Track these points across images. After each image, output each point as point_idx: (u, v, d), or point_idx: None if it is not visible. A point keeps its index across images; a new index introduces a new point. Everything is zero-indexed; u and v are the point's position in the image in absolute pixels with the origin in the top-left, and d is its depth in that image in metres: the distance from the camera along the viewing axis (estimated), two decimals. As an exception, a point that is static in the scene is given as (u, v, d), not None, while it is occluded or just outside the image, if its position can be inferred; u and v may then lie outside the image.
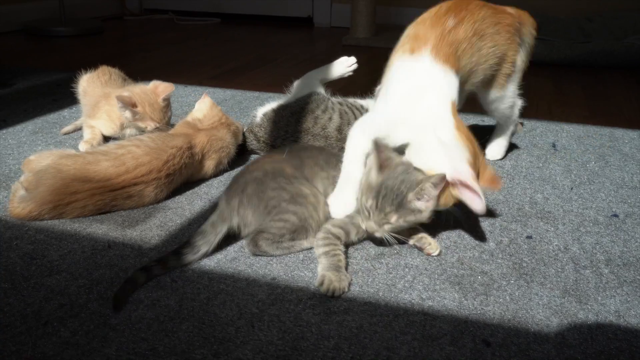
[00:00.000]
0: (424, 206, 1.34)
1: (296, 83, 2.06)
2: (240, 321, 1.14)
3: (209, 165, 1.72)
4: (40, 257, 1.33)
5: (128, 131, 1.92)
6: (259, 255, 1.36)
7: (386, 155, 1.37)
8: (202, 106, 1.79)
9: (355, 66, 2.07)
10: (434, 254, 1.39)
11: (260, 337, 1.10)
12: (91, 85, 2.08)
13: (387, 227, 1.35)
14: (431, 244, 1.40)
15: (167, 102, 1.90)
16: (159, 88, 1.88)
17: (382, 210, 1.33)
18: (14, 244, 1.38)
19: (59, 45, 3.89)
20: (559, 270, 1.36)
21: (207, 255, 1.34)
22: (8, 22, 4.20)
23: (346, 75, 2.08)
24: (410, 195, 1.32)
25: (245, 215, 1.38)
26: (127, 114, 1.83)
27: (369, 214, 1.35)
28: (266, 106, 2.01)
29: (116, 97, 1.79)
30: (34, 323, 1.11)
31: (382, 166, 1.35)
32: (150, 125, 1.84)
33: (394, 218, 1.34)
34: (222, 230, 1.35)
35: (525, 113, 2.51)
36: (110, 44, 4.03)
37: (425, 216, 1.36)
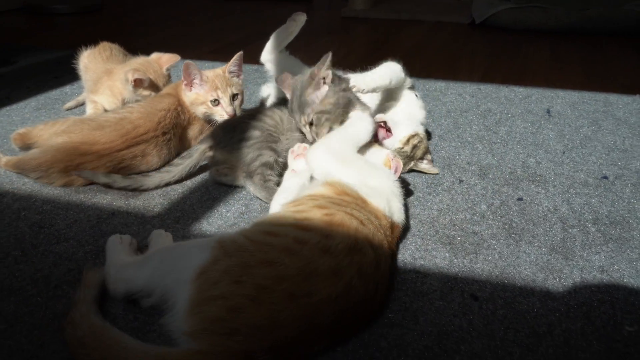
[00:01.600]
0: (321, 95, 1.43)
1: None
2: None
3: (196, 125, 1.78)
4: (48, 226, 1.39)
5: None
6: None
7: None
8: None
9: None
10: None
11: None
12: (92, 61, 2.11)
13: (314, 129, 1.44)
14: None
15: (169, 72, 1.95)
16: (163, 58, 1.93)
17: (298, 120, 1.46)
18: (22, 214, 1.43)
19: (59, 23, 3.91)
20: (547, 229, 1.41)
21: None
22: (9, 0, 4.22)
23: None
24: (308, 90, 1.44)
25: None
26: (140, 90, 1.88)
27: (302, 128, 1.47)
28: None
29: (134, 81, 1.83)
30: (44, 287, 1.17)
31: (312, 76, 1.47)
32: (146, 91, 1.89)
33: (303, 119, 1.44)
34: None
35: (521, 80, 2.55)
36: (109, 21, 4.05)
37: (331, 102, 1.42)
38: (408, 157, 1.62)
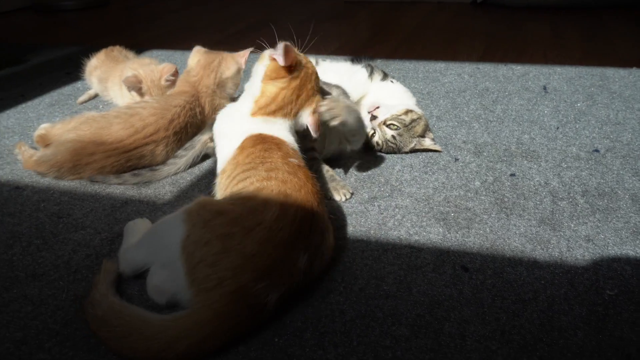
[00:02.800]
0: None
1: None
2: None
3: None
4: (66, 216, 1.48)
5: None
6: None
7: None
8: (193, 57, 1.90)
9: None
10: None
11: (264, 273, 1.24)
12: (101, 64, 2.21)
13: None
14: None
15: (172, 80, 1.97)
16: (165, 68, 1.97)
17: None
18: (41, 206, 1.53)
19: (67, 19, 4.00)
20: (538, 203, 1.48)
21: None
22: (17, -1, 4.32)
23: None
24: None
25: None
26: (134, 93, 1.95)
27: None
28: None
29: (122, 81, 1.91)
30: (65, 271, 1.26)
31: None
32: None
33: None
34: None
35: (519, 58, 2.60)
36: (116, 15, 4.13)
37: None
38: (406, 127, 1.69)
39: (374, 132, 1.73)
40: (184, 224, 1.11)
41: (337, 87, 1.61)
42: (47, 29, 3.72)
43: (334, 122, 1.42)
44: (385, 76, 1.85)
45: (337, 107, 1.42)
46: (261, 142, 1.29)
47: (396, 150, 1.73)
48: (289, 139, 1.35)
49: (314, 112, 1.38)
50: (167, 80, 1.95)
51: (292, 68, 1.37)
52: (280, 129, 1.35)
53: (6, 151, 1.85)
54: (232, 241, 1.06)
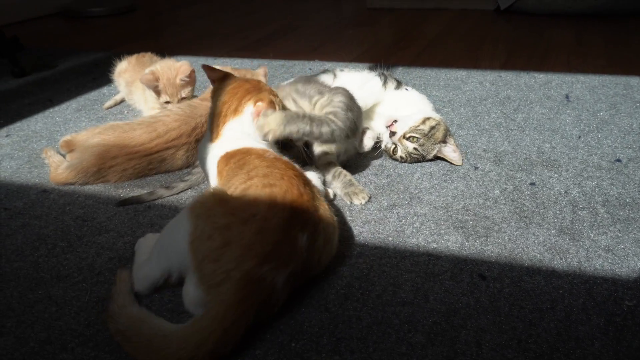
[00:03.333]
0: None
1: None
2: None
3: None
4: (91, 219, 1.51)
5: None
6: None
7: None
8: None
9: None
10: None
11: (282, 278, 1.26)
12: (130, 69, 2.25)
13: None
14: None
15: (187, 81, 1.99)
16: (181, 68, 1.99)
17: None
18: (67, 209, 1.57)
19: (95, 26, 4.08)
20: (557, 212, 1.47)
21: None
22: (46, 5, 4.41)
23: None
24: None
25: None
26: (154, 96, 1.99)
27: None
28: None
29: (140, 79, 1.95)
30: (89, 273, 1.29)
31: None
32: (163, 97, 1.98)
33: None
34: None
35: (542, 66, 2.59)
36: (143, 21, 4.20)
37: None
38: (425, 136, 1.70)
39: (396, 147, 1.73)
40: (188, 219, 1.14)
41: (336, 90, 1.60)
42: (76, 35, 3.79)
43: (267, 138, 1.43)
44: (399, 84, 1.85)
45: (267, 124, 1.42)
46: (232, 157, 1.36)
47: (421, 160, 1.74)
48: (254, 144, 1.40)
49: (255, 104, 1.43)
50: (182, 80, 1.97)
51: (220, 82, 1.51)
52: (239, 139, 1.41)
53: (34, 155, 1.89)
54: (231, 233, 1.09)
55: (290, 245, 1.13)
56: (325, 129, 1.46)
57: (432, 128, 1.69)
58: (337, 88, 1.62)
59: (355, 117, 1.55)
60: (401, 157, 1.73)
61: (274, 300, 1.11)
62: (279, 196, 1.18)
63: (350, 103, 1.56)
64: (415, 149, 1.70)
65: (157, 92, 1.97)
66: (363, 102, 1.69)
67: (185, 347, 1.00)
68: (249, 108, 1.43)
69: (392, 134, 1.72)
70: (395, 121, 1.74)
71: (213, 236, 1.10)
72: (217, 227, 1.10)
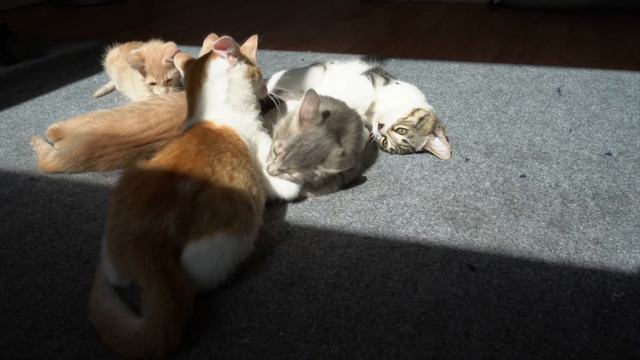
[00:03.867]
0: (324, 173, 1.45)
1: None
2: (253, 256, 1.29)
3: None
4: (79, 207, 1.50)
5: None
6: None
7: (313, 109, 1.41)
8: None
9: None
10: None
11: (271, 268, 1.25)
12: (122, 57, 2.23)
13: (286, 176, 1.45)
14: None
15: (172, 62, 1.93)
16: (167, 49, 1.98)
17: (287, 163, 1.41)
18: (55, 196, 1.55)
19: (86, 14, 4.04)
20: (547, 204, 1.47)
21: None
22: (37, -7, 4.37)
23: None
24: (320, 167, 1.42)
25: None
26: (144, 85, 1.98)
27: (275, 158, 1.43)
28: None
29: (126, 60, 1.93)
30: (76, 261, 1.28)
31: (302, 119, 1.42)
32: (149, 78, 1.97)
33: (295, 174, 1.43)
34: None
35: (535, 60, 2.58)
36: (134, 11, 4.17)
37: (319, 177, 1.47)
38: (415, 128, 1.68)
39: (386, 139, 1.73)
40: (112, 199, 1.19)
41: (334, 101, 1.60)
42: (66, 23, 3.76)
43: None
44: (387, 79, 1.83)
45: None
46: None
47: (411, 151, 1.73)
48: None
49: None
50: (167, 61, 1.95)
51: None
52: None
53: (22, 142, 1.88)
54: (123, 203, 1.14)
55: (170, 194, 1.14)
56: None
57: (421, 119, 1.68)
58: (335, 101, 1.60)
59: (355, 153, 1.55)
60: (391, 149, 1.73)
61: (172, 245, 1.11)
62: (163, 161, 1.23)
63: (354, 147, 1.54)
64: (404, 140, 1.69)
65: (143, 73, 1.96)
66: (362, 110, 1.72)
67: (148, 341, 1.00)
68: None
69: (380, 126, 1.72)
70: (384, 115, 1.73)
71: (113, 209, 1.14)
72: (117, 201, 1.15)
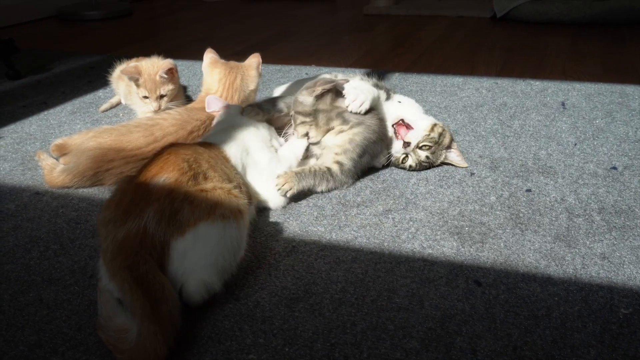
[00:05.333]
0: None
1: None
2: (258, 271, 1.29)
3: None
4: (84, 222, 1.50)
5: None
6: None
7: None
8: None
9: None
10: None
11: (276, 283, 1.25)
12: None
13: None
14: None
15: (166, 78, 2.00)
16: (163, 65, 2.00)
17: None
18: (60, 211, 1.55)
19: (91, 29, 4.07)
20: (553, 219, 1.47)
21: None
22: (43, 8, 4.40)
23: None
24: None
25: None
26: (134, 85, 2.01)
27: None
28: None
29: (121, 71, 1.95)
30: (81, 277, 1.28)
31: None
32: (142, 92, 1.99)
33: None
34: None
35: (538, 74, 2.59)
36: (139, 25, 4.19)
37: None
38: (436, 144, 1.69)
39: (406, 157, 1.71)
40: None
41: (359, 126, 1.65)
42: (71, 38, 3.78)
43: (288, 195, 1.55)
44: (388, 95, 1.80)
45: (284, 184, 1.55)
46: None
47: (428, 167, 1.73)
48: None
49: None
50: (161, 77, 1.97)
51: None
52: None
53: (27, 157, 1.88)
54: (110, 222, 1.16)
55: (144, 194, 1.16)
56: (324, 186, 1.60)
57: (440, 135, 1.69)
58: (361, 122, 1.62)
59: (369, 158, 1.65)
60: (410, 165, 1.71)
61: (157, 239, 1.11)
62: (143, 170, 1.25)
63: (367, 144, 1.62)
64: (427, 156, 1.69)
65: (138, 86, 1.99)
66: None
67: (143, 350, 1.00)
68: None
69: (407, 144, 1.70)
70: (406, 124, 1.72)
71: (103, 231, 1.17)
72: (105, 221, 1.18)
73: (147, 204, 1.13)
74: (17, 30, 4.02)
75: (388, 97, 1.80)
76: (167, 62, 2.00)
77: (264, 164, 1.54)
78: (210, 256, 1.14)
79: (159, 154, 1.29)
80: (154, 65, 1.99)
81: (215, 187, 1.21)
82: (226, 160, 1.45)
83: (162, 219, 1.12)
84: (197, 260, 1.13)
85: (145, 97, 2.00)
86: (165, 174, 1.19)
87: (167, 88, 2.00)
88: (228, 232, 1.17)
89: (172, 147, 1.32)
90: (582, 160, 1.78)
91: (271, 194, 1.53)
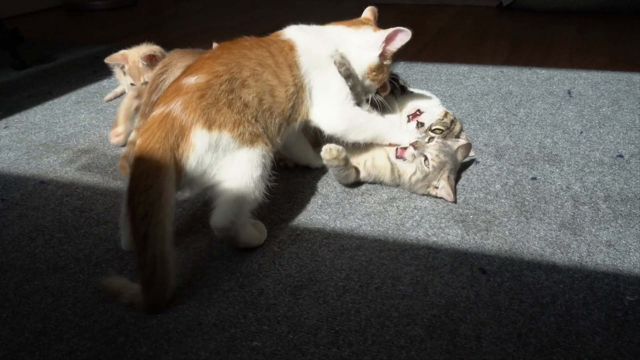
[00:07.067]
0: None
1: None
2: (263, 258, 1.29)
3: None
4: (88, 210, 1.50)
5: None
6: None
7: None
8: None
9: None
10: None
11: (280, 271, 1.25)
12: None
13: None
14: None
15: (147, 64, 1.93)
16: (141, 51, 1.94)
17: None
18: (65, 200, 1.56)
19: (96, 19, 4.06)
20: (559, 207, 1.46)
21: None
22: (48, -1, 4.40)
23: None
24: None
25: None
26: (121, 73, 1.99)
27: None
28: None
29: (106, 60, 1.93)
30: (86, 265, 1.28)
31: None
32: (128, 79, 1.96)
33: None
34: None
35: (544, 62, 2.57)
36: (145, 15, 4.19)
37: None
38: (448, 129, 1.69)
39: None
40: None
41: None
42: (77, 28, 3.78)
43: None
44: (403, 89, 1.81)
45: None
46: None
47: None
48: None
49: None
50: (142, 64, 1.92)
51: None
52: None
53: (32, 146, 1.88)
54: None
55: (175, 89, 1.25)
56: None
57: (453, 122, 1.70)
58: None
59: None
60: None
61: (178, 123, 1.19)
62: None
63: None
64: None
65: (124, 74, 1.98)
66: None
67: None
68: None
69: (420, 124, 1.70)
70: (419, 113, 1.72)
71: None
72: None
73: (175, 97, 1.21)
74: (23, 20, 4.02)
75: (404, 91, 1.80)
76: (148, 48, 1.96)
77: (336, 90, 1.51)
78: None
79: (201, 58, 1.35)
80: (138, 52, 1.96)
81: (239, 101, 1.27)
82: (292, 67, 1.47)
83: (188, 108, 1.19)
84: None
85: (133, 85, 1.98)
86: (198, 74, 1.26)
87: (148, 73, 1.96)
88: (249, 155, 1.25)
89: (221, 46, 1.47)
90: (588, 148, 1.77)
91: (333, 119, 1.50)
